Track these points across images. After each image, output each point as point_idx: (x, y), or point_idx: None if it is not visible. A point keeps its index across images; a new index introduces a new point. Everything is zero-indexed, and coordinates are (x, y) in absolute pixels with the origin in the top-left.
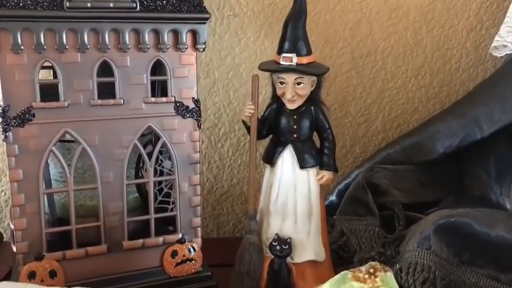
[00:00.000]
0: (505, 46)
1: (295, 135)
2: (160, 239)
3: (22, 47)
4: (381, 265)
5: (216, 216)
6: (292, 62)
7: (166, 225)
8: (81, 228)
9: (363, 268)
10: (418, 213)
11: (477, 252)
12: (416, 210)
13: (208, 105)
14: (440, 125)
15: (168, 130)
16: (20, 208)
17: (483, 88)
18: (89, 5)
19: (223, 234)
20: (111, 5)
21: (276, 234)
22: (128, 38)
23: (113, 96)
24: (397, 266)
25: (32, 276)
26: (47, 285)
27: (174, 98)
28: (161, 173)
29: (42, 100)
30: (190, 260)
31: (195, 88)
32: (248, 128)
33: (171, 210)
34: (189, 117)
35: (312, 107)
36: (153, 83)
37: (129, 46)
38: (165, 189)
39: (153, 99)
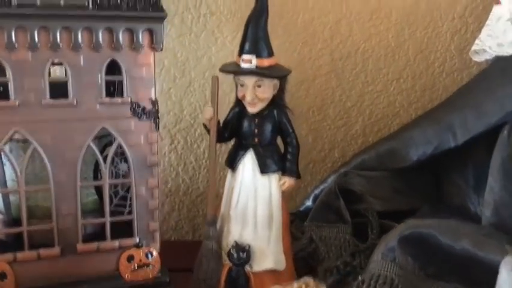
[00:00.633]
0: (485, 51)
1: (256, 140)
2: (116, 243)
3: None
4: (315, 281)
5: (192, 218)
6: (251, 63)
7: (127, 229)
8: (35, 230)
9: (295, 283)
10: (394, 221)
11: (443, 266)
12: (392, 219)
13: (184, 105)
14: (415, 132)
15: (123, 132)
16: None
17: (459, 93)
18: (38, 2)
19: (198, 237)
20: (62, 2)
21: (235, 241)
22: (81, 37)
23: (66, 96)
24: (360, 278)
25: None
26: None
27: (130, 98)
28: (117, 176)
29: None
30: (148, 265)
31: (153, 89)
32: (209, 131)
33: (128, 213)
34: (146, 118)
35: (275, 111)
36: (112, 83)
37: (82, 45)
38: (121, 192)
39: (107, 99)
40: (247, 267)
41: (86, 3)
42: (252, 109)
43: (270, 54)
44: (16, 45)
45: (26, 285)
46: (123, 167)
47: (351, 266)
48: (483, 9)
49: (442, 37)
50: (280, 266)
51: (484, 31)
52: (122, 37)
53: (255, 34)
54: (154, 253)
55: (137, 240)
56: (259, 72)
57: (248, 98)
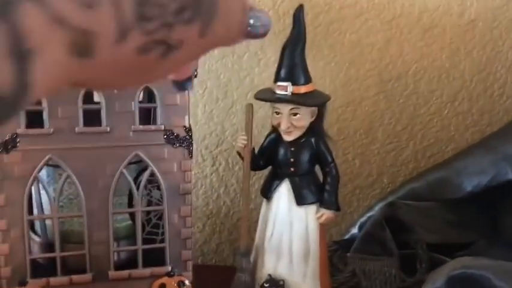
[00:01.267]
0: None
1: (292, 169)
2: (148, 271)
3: None
4: None
5: (233, 241)
6: (287, 91)
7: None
8: (68, 256)
9: None
10: (445, 255)
11: None
12: (443, 252)
13: (226, 127)
14: (469, 160)
15: (156, 159)
16: (3, 233)
17: None
18: None
19: None
20: None
21: (269, 275)
22: None
23: (100, 123)
24: None
25: None
26: None
27: (164, 126)
28: (150, 203)
29: (26, 126)
30: None
31: (187, 116)
32: (243, 159)
33: (161, 241)
34: (180, 146)
35: (313, 139)
36: (146, 109)
37: None
38: (154, 220)
39: (141, 127)
40: None
41: None
42: (287, 137)
43: (307, 81)
44: None
45: None
46: (156, 194)
47: None
48: None
49: (503, 57)
50: None
51: None
52: None
53: (292, 60)
54: (187, 282)
55: (169, 268)
56: (293, 100)
57: (283, 126)
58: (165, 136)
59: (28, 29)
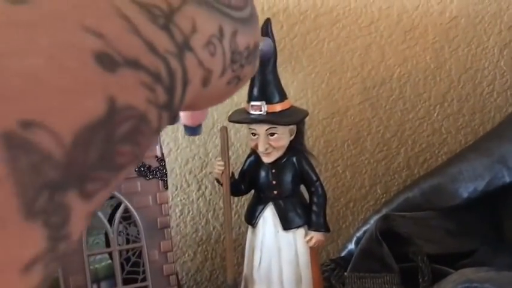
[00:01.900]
0: None
1: (275, 192)
2: None
3: None
4: None
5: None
6: (261, 110)
7: None
8: None
9: None
10: (448, 266)
11: None
12: (445, 263)
13: (209, 148)
14: (463, 165)
15: (129, 194)
16: None
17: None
18: None
19: None
20: None
21: None
22: None
23: None
24: None
25: None
26: None
27: None
28: (128, 241)
29: None
30: None
31: (158, 146)
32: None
33: (142, 280)
34: (153, 177)
35: (294, 158)
36: None
37: None
38: (133, 258)
39: None
40: None
41: None
42: (267, 159)
43: (282, 98)
44: None
45: None
46: (132, 231)
47: None
48: None
49: (489, 53)
50: None
51: None
52: None
53: (264, 78)
54: None
55: None
56: (269, 120)
57: (260, 148)
58: (137, 169)
59: (190, 69)
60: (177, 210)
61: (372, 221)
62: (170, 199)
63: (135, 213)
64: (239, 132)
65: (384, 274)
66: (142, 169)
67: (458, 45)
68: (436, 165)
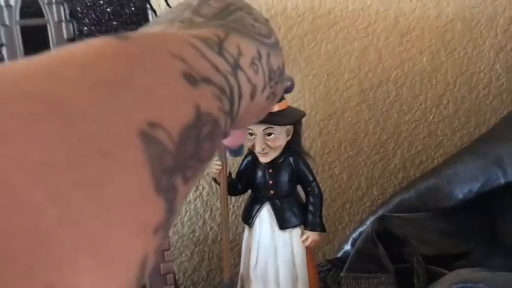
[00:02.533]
0: None
1: (272, 192)
2: None
3: None
4: None
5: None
6: None
7: None
8: None
9: None
10: (443, 267)
11: None
12: (440, 263)
13: None
14: (458, 167)
15: None
16: None
17: (507, 121)
18: None
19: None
20: None
21: None
22: None
23: None
24: None
25: None
26: None
27: None
28: None
29: None
30: None
31: None
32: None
33: None
34: None
35: (291, 158)
36: None
37: None
38: None
39: None
40: None
41: None
42: (263, 159)
43: (280, 98)
44: None
45: None
46: None
47: None
48: None
49: (485, 56)
50: None
51: None
52: None
53: None
54: None
55: None
56: (266, 120)
57: (257, 148)
58: None
59: (242, 84)
60: None
61: (368, 222)
62: None
63: None
64: None
65: (379, 275)
66: None
67: (454, 48)
68: (432, 167)
